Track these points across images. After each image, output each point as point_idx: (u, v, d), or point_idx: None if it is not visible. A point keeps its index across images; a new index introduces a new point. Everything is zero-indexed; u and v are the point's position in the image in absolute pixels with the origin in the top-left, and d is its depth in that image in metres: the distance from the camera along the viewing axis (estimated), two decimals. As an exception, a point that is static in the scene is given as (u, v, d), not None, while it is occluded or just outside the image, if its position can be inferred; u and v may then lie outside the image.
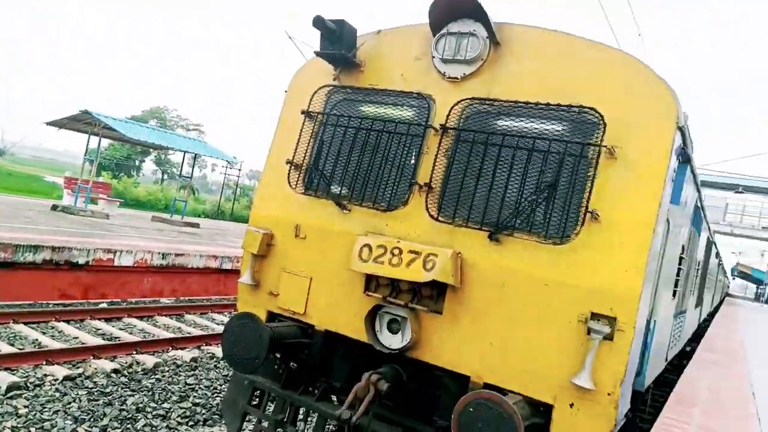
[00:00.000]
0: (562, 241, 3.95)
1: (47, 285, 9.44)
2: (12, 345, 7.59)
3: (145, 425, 6.28)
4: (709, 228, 11.09)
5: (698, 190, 6.81)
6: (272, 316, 5.13)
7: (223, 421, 6.57)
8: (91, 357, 7.39)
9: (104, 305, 10.02)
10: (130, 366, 7.49)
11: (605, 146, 3.92)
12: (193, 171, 23.63)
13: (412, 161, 4.65)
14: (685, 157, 4.72)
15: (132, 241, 11.96)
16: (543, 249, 4.00)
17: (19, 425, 5.59)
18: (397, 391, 4.50)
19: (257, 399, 5.15)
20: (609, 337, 3.70)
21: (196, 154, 20.47)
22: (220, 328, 10.18)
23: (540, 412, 3.92)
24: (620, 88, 4.03)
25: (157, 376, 7.41)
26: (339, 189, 4.92)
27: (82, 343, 8.02)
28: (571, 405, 3.81)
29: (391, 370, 4.52)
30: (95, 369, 7.09)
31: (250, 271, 5.16)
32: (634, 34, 14.41)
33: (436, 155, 4.49)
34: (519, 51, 4.47)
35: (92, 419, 6.09)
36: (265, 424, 4.99)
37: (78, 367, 7.11)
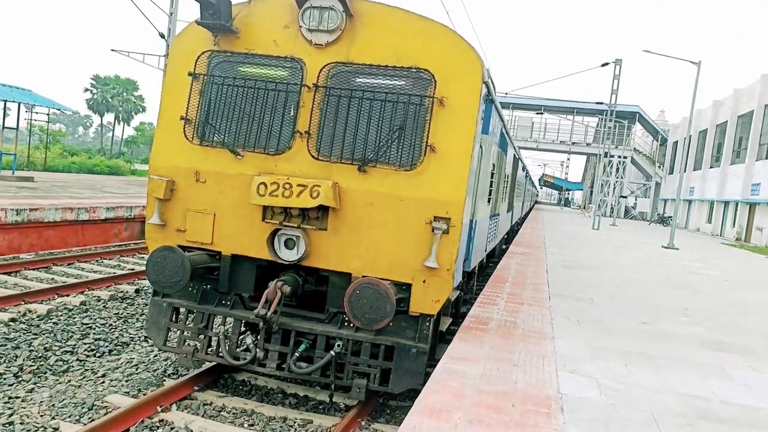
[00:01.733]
0: (411, 168, 5.49)
1: None
2: None
3: (56, 361, 6.96)
4: (514, 148, 13.60)
5: (502, 121, 8.79)
6: (181, 249, 6.11)
7: (149, 338, 7.47)
8: (-13, 311, 7.68)
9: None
10: (24, 314, 7.89)
11: (437, 97, 5.46)
12: (18, 121, 21.61)
13: (292, 113, 5.83)
14: (489, 100, 6.45)
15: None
16: (398, 175, 5.51)
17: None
18: (296, 292, 5.87)
19: (176, 317, 6.20)
20: (446, 232, 5.38)
21: (19, 103, 18.75)
22: (95, 276, 10.59)
23: (403, 290, 5.55)
24: (444, 54, 5.54)
25: (53, 321, 7.91)
26: (232, 139, 5.94)
27: None
28: (424, 281, 5.49)
29: (291, 277, 5.86)
30: (-5, 319, 7.45)
31: (157, 213, 6.05)
32: None
33: (312, 108, 5.72)
34: (368, 22, 5.75)
35: (6, 361, 6.64)
36: (187, 333, 6.09)
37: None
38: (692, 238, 31.95)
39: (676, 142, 47.62)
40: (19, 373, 6.46)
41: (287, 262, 5.77)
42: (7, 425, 5.10)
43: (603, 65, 28.59)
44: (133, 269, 11.45)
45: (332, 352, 5.56)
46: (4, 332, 7.26)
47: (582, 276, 11.29)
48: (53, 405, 5.57)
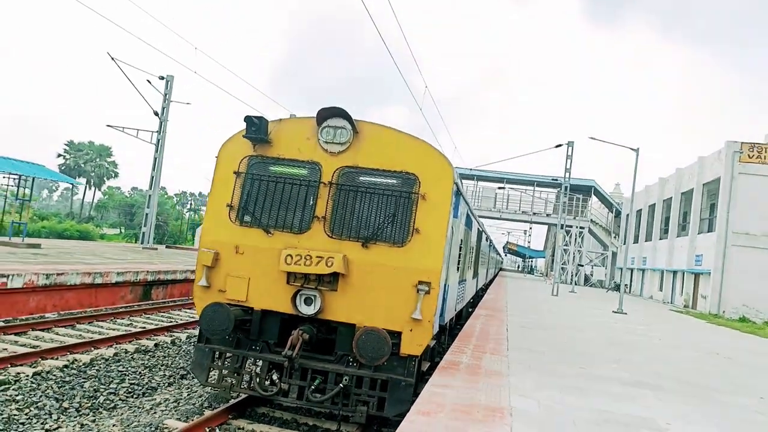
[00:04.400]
0: (402, 245, 7.45)
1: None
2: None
3: (104, 399, 8.46)
4: (479, 223, 15.78)
5: (468, 205, 10.92)
6: (221, 306, 7.84)
7: (193, 377, 8.98)
8: (40, 359, 9.08)
9: (1, 323, 11.23)
10: (72, 363, 9.32)
11: (420, 194, 7.50)
12: (31, 193, 23.02)
13: (311, 202, 7.79)
14: (458, 193, 8.55)
15: (4, 265, 12.93)
16: (392, 249, 7.46)
17: (17, 409, 7.48)
18: (311, 339, 7.62)
19: (216, 359, 7.86)
20: (428, 293, 7.28)
21: (33, 178, 20.32)
22: (114, 333, 12.04)
23: (395, 336, 7.36)
24: (426, 163, 7.63)
25: (96, 368, 9.36)
26: (265, 221, 7.83)
27: (33, 347, 9.58)
28: (411, 330, 7.33)
29: (308, 327, 7.63)
30: (50, 366, 8.88)
31: (204, 277, 7.83)
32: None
33: (327, 199, 7.69)
34: (369, 137, 7.84)
35: (66, 399, 8.09)
36: (226, 372, 7.74)
37: (35, 367, 8.82)
38: (643, 305, 34.42)
39: (628, 214, 51.20)
40: (80, 408, 7.96)
41: (306, 316, 7.57)
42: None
43: (557, 146, 31.70)
44: (144, 327, 12.92)
45: (341, 385, 7.30)
46: (61, 376, 8.73)
47: (537, 334, 13.22)
48: (128, 425, 7.11)
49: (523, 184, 56.84)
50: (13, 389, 7.87)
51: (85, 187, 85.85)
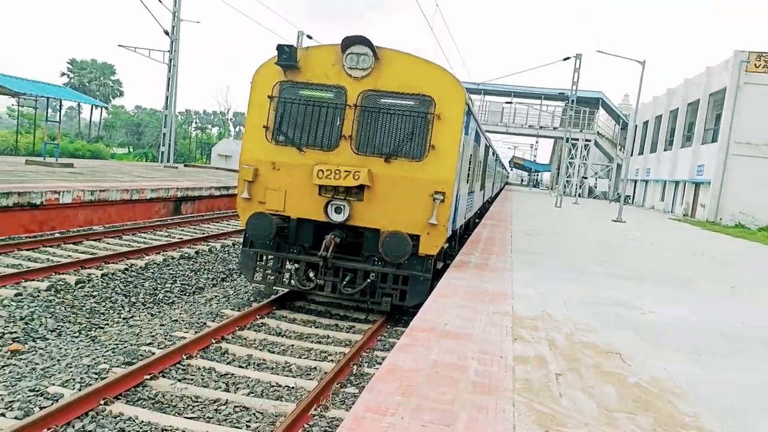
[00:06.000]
0: (419, 160, 8.48)
1: (14, 222, 11.72)
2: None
3: (162, 296, 9.87)
4: (486, 138, 16.70)
5: (477, 123, 11.83)
6: (261, 215, 9.01)
7: (242, 275, 10.37)
8: (103, 263, 10.46)
9: (57, 235, 12.57)
10: (131, 266, 10.69)
11: (436, 114, 8.45)
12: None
13: (338, 123, 8.75)
14: (468, 113, 9.47)
15: (52, 183, 14.11)
16: (411, 164, 8.50)
17: (95, 302, 8.88)
18: (342, 242, 8.84)
19: (260, 261, 9.14)
20: (442, 201, 8.40)
21: (60, 100, 21.10)
22: (156, 243, 13.38)
23: (415, 239, 8.55)
24: (440, 85, 8.51)
25: (150, 271, 10.73)
26: (298, 140, 8.84)
27: (92, 255, 10.98)
28: (428, 233, 8.51)
29: (339, 232, 8.83)
30: (112, 270, 10.26)
31: (246, 190, 8.95)
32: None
33: (352, 120, 8.65)
34: (389, 63, 8.68)
35: (132, 295, 9.52)
36: (268, 271, 9.05)
37: (102, 269, 10.20)
38: (644, 214, 35.75)
39: (636, 126, 51.47)
40: (145, 303, 9.37)
41: (336, 222, 8.75)
42: (173, 321, 8.05)
43: (565, 59, 31.83)
44: (181, 238, 14.27)
45: (369, 280, 8.60)
46: (124, 277, 10.10)
47: (538, 240, 14.51)
48: (193, 314, 8.53)
49: (531, 97, 56.72)
50: (88, 287, 9.24)
51: (92, 106, 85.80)
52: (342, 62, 8.70)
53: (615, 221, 24.68)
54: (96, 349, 6.95)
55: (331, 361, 7.14)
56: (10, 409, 5.10)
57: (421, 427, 3.39)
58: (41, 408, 5.12)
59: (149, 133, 74.16)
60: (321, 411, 5.61)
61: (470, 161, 11.31)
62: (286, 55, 8.64)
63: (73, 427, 4.90)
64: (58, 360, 6.55)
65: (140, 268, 10.76)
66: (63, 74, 78.82)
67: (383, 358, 7.15)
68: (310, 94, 8.88)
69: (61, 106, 32.86)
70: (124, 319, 8.57)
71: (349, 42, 8.58)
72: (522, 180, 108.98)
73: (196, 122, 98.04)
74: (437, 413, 3.60)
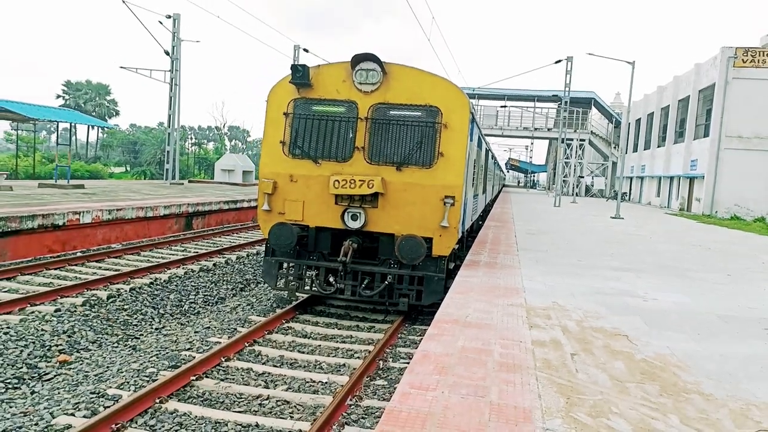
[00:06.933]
0: (429, 167, 9.03)
1: (39, 244, 12.21)
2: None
3: (188, 308, 10.38)
4: (487, 145, 17.28)
5: (479, 129, 12.41)
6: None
7: (265, 283, 10.89)
8: (129, 278, 10.95)
9: (78, 254, 13.06)
10: (155, 281, 11.19)
11: (443, 123, 9.00)
12: (71, 139, 24.45)
13: (351, 135, 9.30)
14: (473, 121, 10.03)
15: (69, 204, 14.62)
16: (421, 171, 9.05)
17: (127, 315, 9.38)
18: (359, 247, 9.37)
19: (281, 269, 9.66)
20: (452, 205, 8.95)
21: (72, 123, 21.61)
22: (174, 257, 13.88)
23: (428, 241, 9.09)
24: (446, 97, 9.08)
25: (174, 284, 11.24)
26: (314, 153, 9.38)
27: (116, 271, 11.46)
28: (440, 235, 9.05)
29: (356, 238, 9.36)
30: (138, 284, 10.76)
31: (266, 203, 9.48)
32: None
33: (364, 132, 9.21)
34: (397, 77, 9.24)
35: (160, 307, 10.02)
36: (290, 278, 9.56)
37: (129, 284, 10.69)
38: (641, 210, 36.36)
39: (629, 124, 52.19)
40: (173, 314, 9.87)
41: (353, 229, 9.28)
42: (206, 328, 8.56)
43: (556, 62, 32.51)
44: (197, 252, 14.77)
45: (387, 282, 9.12)
46: (150, 291, 10.60)
47: (542, 238, 15.05)
48: (222, 321, 9.03)
49: (524, 100, 57.52)
50: (119, 301, 9.74)
51: (88, 127, 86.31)
52: (352, 78, 9.26)
53: (613, 218, 25.25)
54: (140, 356, 7.45)
55: (358, 357, 7.66)
56: (78, 409, 5.61)
57: (461, 398, 3.91)
58: (105, 407, 5.62)
59: (147, 151, 74.55)
60: (356, 401, 6.12)
61: (474, 166, 11.87)
62: (300, 74, 9.21)
63: (136, 423, 5.41)
64: (108, 367, 7.05)
65: (164, 281, 11.26)
66: (58, 96, 79.39)
67: (406, 354, 7.69)
68: (323, 109, 9.44)
69: (57, 127, 33.33)
70: (156, 329, 9.07)
71: (358, 59, 9.16)
72: (519, 181, 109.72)
73: (191, 138, 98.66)
74: (472, 387, 4.13)
